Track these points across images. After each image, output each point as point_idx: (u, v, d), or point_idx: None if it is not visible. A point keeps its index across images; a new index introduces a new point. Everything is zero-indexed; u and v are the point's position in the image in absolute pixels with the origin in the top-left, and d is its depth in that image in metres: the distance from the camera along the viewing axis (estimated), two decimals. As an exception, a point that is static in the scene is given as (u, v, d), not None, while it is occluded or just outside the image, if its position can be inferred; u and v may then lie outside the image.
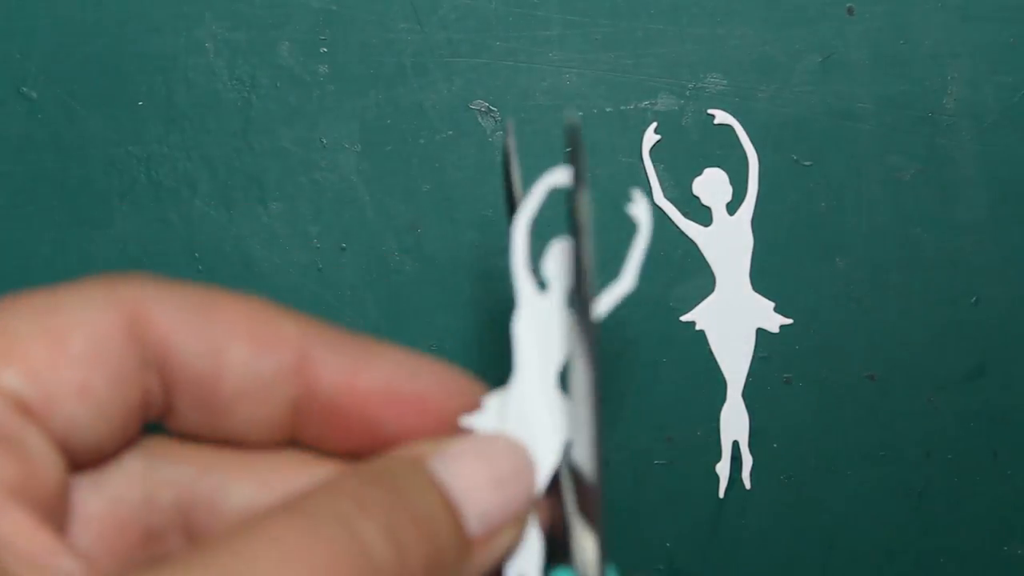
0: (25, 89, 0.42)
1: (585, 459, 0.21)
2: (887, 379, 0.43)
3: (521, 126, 0.42)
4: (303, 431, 0.23)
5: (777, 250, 0.43)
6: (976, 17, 0.42)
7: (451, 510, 0.20)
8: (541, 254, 0.22)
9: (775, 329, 0.42)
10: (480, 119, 0.42)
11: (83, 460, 0.21)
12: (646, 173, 0.42)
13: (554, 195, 0.23)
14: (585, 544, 0.21)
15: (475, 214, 0.42)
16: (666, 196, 0.42)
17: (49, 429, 0.20)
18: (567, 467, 0.22)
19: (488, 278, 0.42)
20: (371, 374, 0.22)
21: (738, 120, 0.42)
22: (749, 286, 0.42)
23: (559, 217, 0.24)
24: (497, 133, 0.42)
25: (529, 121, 0.42)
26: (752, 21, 0.42)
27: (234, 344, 0.21)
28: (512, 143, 0.22)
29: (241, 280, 0.42)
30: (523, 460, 0.22)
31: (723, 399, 0.43)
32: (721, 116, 0.42)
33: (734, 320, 0.42)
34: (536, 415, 0.22)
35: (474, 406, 0.23)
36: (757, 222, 0.42)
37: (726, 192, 0.42)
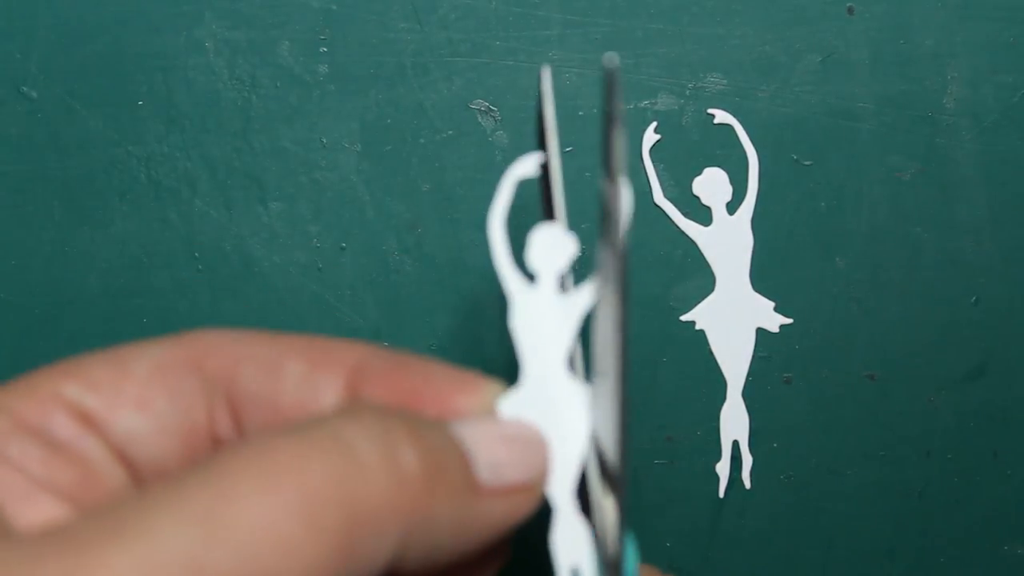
0: (25, 88, 0.42)
1: (608, 421, 0.21)
2: (887, 379, 0.43)
3: (520, 125, 0.42)
4: None
5: (777, 250, 0.43)
6: (976, 17, 0.42)
7: (457, 444, 0.21)
8: (523, 246, 0.22)
9: (775, 329, 0.42)
10: (480, 119, 0.42)
11: (149, 475, 0.22)
12: (646, 173, 0.42)
13: (526, 186, 0.22)
14: (605, 505, 0.21)
15: (475, 214, 0.42)
16: (666, 196, 0.42)
17: (109, 440, 0.21)
18: (591, 433, 0.22)
19: (488, 278, 0.42)
20: (412, 380, 0.22)
21: (738, 120, 0.42)
22: (749, 286, 0.42)
23: (532, 207, 0.24)
24: (497, 132, 0.42)
25: (529, 120, 0.42)
26: (752, 21, 0.42)
27: (291, 361, 0.22)
28: (547, 86, 0.22)
29: (241, 280, 0.42)
30: (534, 432, 0.22)
31: (723, 399, 0.43)
32: (721, 116, 0.42)
33: (734, 320, 0.42)
34: (551, 406, 0.23)
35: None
36: (757, 222, 0.42)
37: (726, 192, 0.42)
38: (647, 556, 0.43)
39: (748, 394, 0.43)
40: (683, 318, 0.42)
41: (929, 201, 0.43)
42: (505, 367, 0.42)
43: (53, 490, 0.19)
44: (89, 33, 0.42)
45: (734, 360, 0.42)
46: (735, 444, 0.42)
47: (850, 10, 0.42)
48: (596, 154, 0.42)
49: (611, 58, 0.20)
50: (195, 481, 0.17)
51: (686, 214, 0.42)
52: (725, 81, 0.42)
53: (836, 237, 0.43)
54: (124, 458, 0.21)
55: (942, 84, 0.42)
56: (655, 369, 0.43)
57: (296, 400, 0.22)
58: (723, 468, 0.42)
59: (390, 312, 0.42)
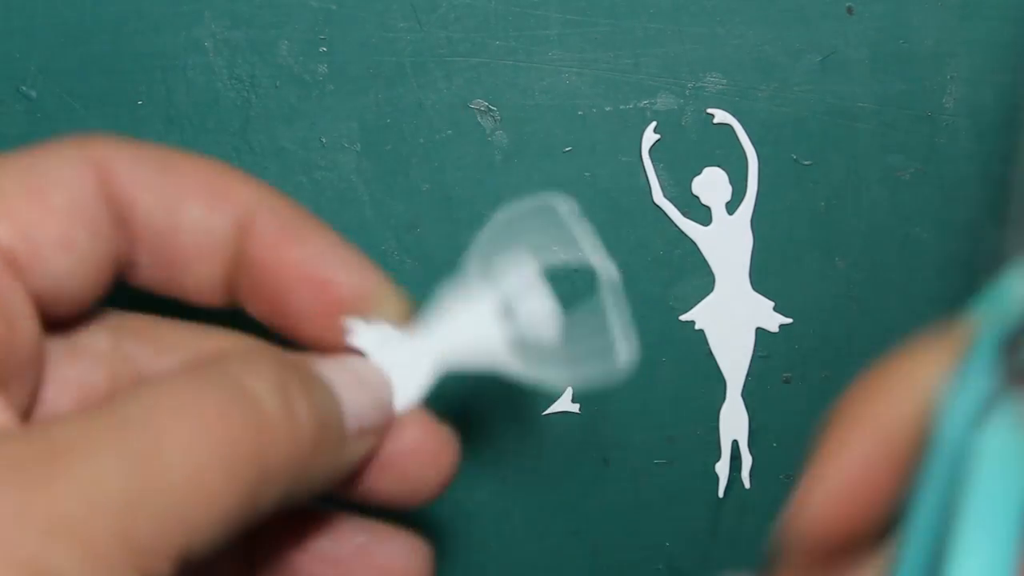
0: (24, 88, 0.42)
1: None
2: (887, 379, 0.43)
3: (520, 125, 0.42)
4: (238, 293, 0.25)
5: (777, 250, 0.43)
6: (976, 16, 0.42)
7: (334, 397, 0.22)
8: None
9: (775, 329, 0.42)
10: (480, 118, 0.42)
11: (61, 315, 0.22)
12: (645, 173, 0.42)
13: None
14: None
15: (475, 214, 0.42)
16: (665, 195, 0.42)
17: (31, 283, 0.21)
18: None
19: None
20: (300, 249, 0.24)
21: (737, 120, 0.42)
22: (749, 286, 0.42)
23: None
24: (497, 132, 0.42)
25: (528, 120, 0.42)
26: (752, 21, 0.42)
27: (190, 201, 0.23)
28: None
29: (240, 280, 0.42)
30: (382, 377, 0.24)
31: (722, 398, 0.43)
32: (720, 115, 0.42)
33: (733, 320, 0.42)
34: (400, 355, 0.25)
35: (369, 309, 0.25)
36: (756, 222, 0.42)
37: (725, 192, 0.42)
38: (647, 556, 0.43)
39: (748, 394, 0.43)
40: (682, 318, 0.42)
41: (929, 201, 0.43)
42: (505, 367, 0.42)
43: None
44: (88, 32, 0.42)
45: (733, 360, 0.42)
46: (735, 444, 0.42)
47: (850, 10, 0.42)
48: (596, 154, 0.42)
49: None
50: (134, 418, 0.18)
51: (685, 214, 0.42)
52: (725, 81, 0.42)
53: (836, 237, 0.43)
54: (42, 303, 0.21)
55: (942, 84, 0.42)
56: (655, 369, 0.43)
57: (192, 241, 0.23)
58: (723, 468, 0.42)
59: (390, 312, 0.42)
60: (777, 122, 0.42)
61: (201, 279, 0.24)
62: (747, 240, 0.42)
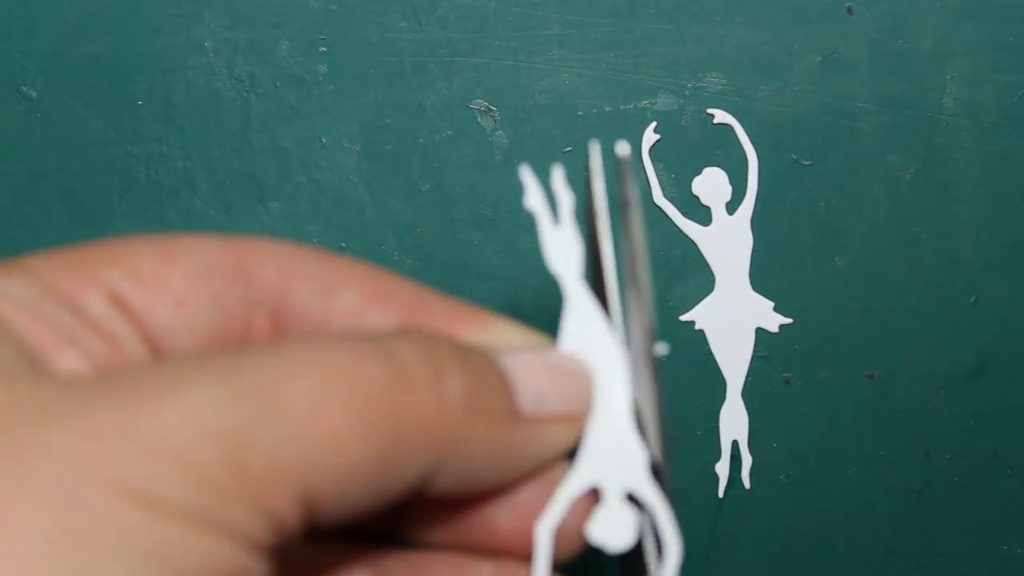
0: (25, 88, 0.42)
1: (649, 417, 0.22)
2: (887, 379, 0.43)
3: (520, 125, 0.42)
4: None
5: (777, 250, 0.43)
6: (976, 16, 0.42)
7: (500, 373, 0.21)
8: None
9: (775, 329, 0.42)
10: (480, 118, 0.42)
11: None
12: (645, 173, 0.42)
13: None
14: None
15: (475, 214, 0.42)
16: (666, 196, 0.42)
17: (140, 327, 0.20)
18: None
19: (488, 278, 0.42)
20: (469, 335, 0.22)
21: (738, 120, 0.42)
22: (749, 286, 0.42)
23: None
24: (497, 132, 0.42)
25: (528, 120, 0.42)
26: (752, 21, 0.42)
27: (345, 289, 0.22)
28: (596, 163, 0.23)
29: (241, 280, 0.42)
30: (578, 364, 0.22)
31: (722, 398, 0.43)
32: (721, 116, 0.42)
33: (733, 320, 0.42)
34: (597, 341, 0.23)
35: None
36: (757, 222, 0.42)
37: (726, 192, 0.42)
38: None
39: (748, 394, 0.43)
40: (682, 318, 0.42)
41: (929, 201, 0.43)
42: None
43: (82, 351, 0.19)
44: (88, 33, 0.42)
45: (733, 360, 0.42)
46: (735, 444, 0.42)
47: (849, 10, 0.42)
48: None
49: (624, 147, 0.21)
50: (254, 357, 0.17)
51: (685, 214, 0.42)
52: (725, 81, 0.42)
53: (836, 237, 0.43)
54: (152, 346, 0.21)
55: (942, 84, 0.42)
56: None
57: (344, 328, 0.22)
58: (723, 468, 0.42)
59: (390, 312, 0.42)
60: (777, 122, 0.42)
61: None
62: (747, 240, 0.42)
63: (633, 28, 0.42)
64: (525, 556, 0.22)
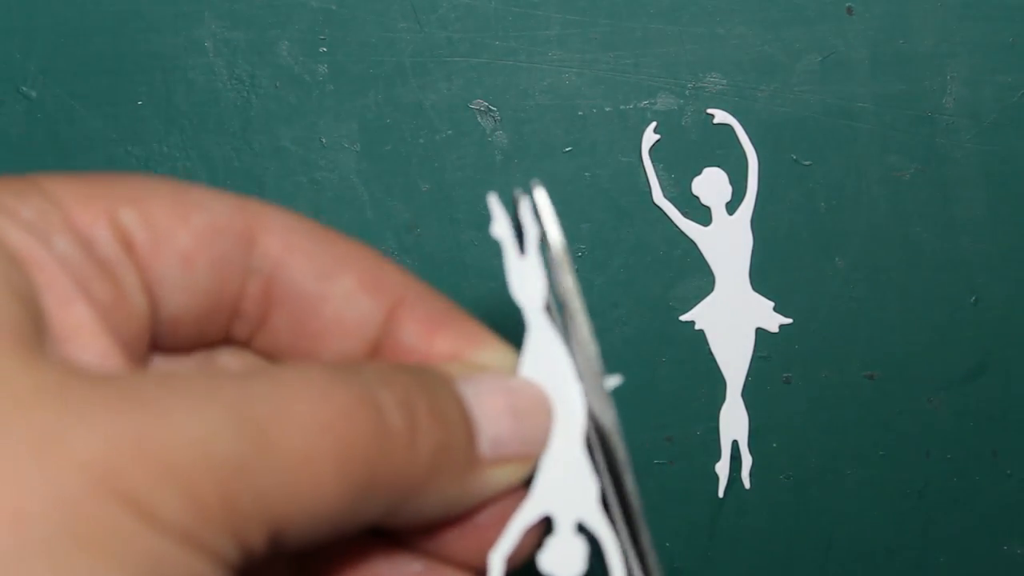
0: (25, 88, 0.42)
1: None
2: (887, 379, 0.43)
3: (520, 125, 0.42)
4: None
5: (777, 250, 0.43)
6: (975, 16, 0.42)
7: (467, 420, 0.21)
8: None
9: (774, 329, 0.42)
10: (479, 118, 0.42)
11: (163, 332, 0.22)
12: (645, 173, 0.42)
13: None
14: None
15: (475, 214, 0.42)
16: (665, 195, 0.42)
17: (143, 275, 0.21)
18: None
19: (488, 277, 0.42)
20: (450, 341, 0.23)
21: (738, 120, 0.42)
22: (749, 286, 0.42)
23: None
24: (497, 132, 0.42)
25: (528, 120, 0.42)
26: (752, 21, 0.42)
27: (344, 275, 0.22)
28: (545, 208, 0.23)
29: (241, 280, 0.42)
30: (542, 400, 0.23)
31: (722, 398, 0.43)
32: (720, 116, 0.42)
33: (733, 320, 0.42)
34: (556, 364, 0.23)
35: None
36: (757, 222, 0.42)
37: (725, 192, 0.42)
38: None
39: (747, 394, 0.43)
40: (682, 318, 0.42)
41: (929, 201, 0.43)
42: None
43: (89, 300, 0.20)
44: (89, 33, 0.42)
45: (733, 360, 0.42)
46: (734, 444, 0.42)
47: (849, 10, 0.42)
48: (596, 154, 0.42)
49: (538, 191, 0.21)
50: (261, 391, 0.18)
51: (685, 214, 0.42)
52: (725, 81, 0.42)
53: (836, 237, 0.43)
54: (151, 299, 0.21)
55: (942, 84, 0.42)
56: (655, 369, 0.43)
57: (337, 313, 0.23)
58: (723, 468, 0.42)
59: (390, 312, 0.42)
60: (777, 122, 0.42)
61: (338, 354, 0.23)
62: (747, 240, 0.42)
63: (633, 28, 0.42)
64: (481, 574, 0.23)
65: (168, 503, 0.16)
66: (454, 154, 0.42)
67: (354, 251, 0.23)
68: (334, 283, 0.22)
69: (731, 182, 0.42)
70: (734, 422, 0.42)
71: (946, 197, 0.43)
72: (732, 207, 0.42)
